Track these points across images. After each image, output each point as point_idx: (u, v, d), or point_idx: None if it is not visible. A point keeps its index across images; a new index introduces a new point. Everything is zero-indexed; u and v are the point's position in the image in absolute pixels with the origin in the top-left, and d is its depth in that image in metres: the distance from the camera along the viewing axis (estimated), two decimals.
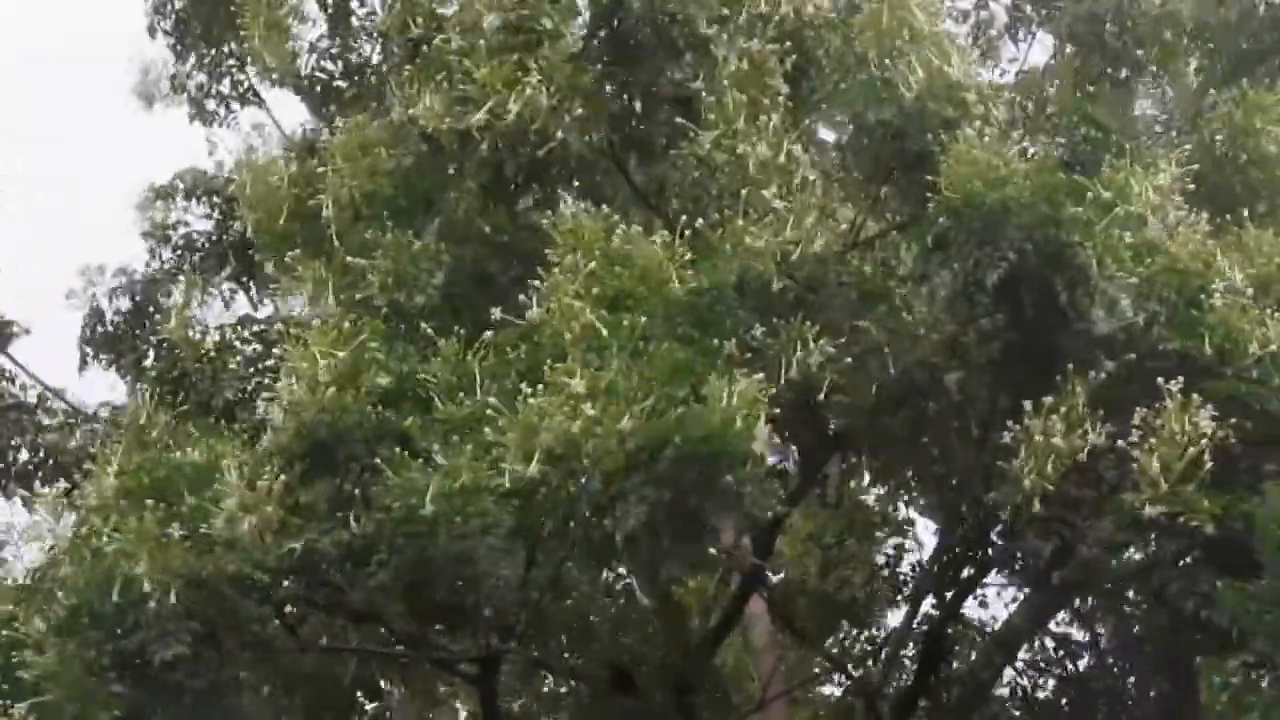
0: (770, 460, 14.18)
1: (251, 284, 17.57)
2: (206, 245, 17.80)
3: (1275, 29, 16.21)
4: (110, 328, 17.60)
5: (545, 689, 17.73)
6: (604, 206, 12.43)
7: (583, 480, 10.25)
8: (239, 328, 14.42)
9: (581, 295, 11.32)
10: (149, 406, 12.92)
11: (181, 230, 17.85)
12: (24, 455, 16.10)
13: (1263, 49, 16.20)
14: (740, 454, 10.15)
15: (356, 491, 10.78)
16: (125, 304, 17.66)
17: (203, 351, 13.43)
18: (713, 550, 16.11)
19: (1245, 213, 12.80)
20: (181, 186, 17.75)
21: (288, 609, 11.70)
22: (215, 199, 17.64)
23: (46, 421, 16.51)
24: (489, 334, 11.34)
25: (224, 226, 17.57)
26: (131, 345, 17.45)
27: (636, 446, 9.99)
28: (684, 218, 12.11)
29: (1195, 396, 10.46)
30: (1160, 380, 10.62)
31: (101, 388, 19.01)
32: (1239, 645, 10.22)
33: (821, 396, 12.16)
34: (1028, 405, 10.99)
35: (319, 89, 15.96)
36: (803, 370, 11.73)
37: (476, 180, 13.03)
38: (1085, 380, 10.96)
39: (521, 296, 11.76)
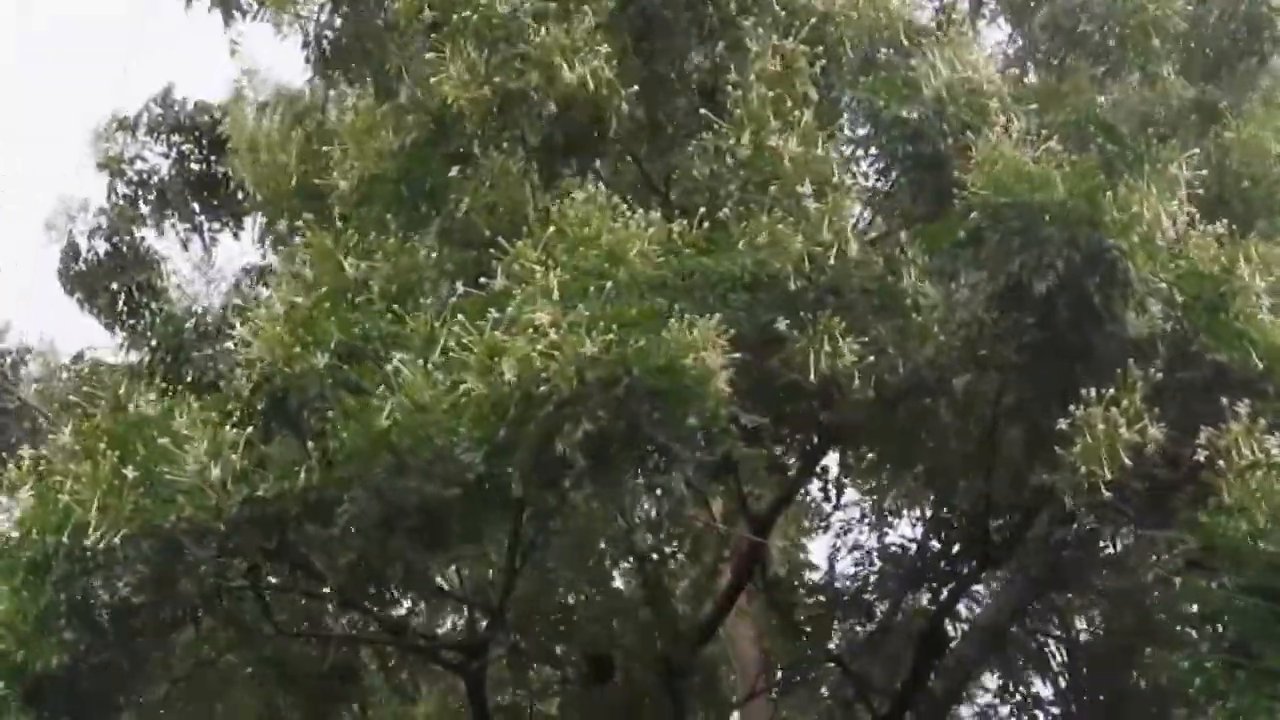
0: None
1: (211, 225, 17.55)
2: (164, 182, 17.51)
3: (1251, 29, 16.36)
4: (85, 266, 17.34)
5: (535, 683, 17.59)
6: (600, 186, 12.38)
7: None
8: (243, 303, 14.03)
9: (548, 265, 11.24)
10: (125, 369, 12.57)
11: (139, 165, 17.57)
12: None
13: (1240, 49, 16.36)
14: (699, 386, 10.11)
15: (311, 442, 10.81)
16: (102, 246, 17.36)
17: (202, 329, 13.03)
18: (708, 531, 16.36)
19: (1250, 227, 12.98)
20: (147, 118, 17.41)
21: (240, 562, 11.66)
22: (175, 137, 17.40)
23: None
24: (453, 300, 11.36)
25: (183, 164, 17.39)
26: (106, 288, 17.22)
27: (595, 375, 9.94)
28: (701, 209, 12.03)
29: (1261, 421, 10.50)
30: (1224, 400, 10.63)
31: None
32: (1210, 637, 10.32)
33: (845, 391, 12.09)
34: (1090, 393, 10.94)
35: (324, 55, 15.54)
36: (831, 367, 11.67)
37: (517, 145, 12.86)
38: (1146, 377, 10.99)
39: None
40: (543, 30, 12.52)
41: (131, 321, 16.35)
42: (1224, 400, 10.63)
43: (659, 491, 12.31)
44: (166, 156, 17.42)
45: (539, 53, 12.46)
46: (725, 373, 10.27)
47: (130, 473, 10.37)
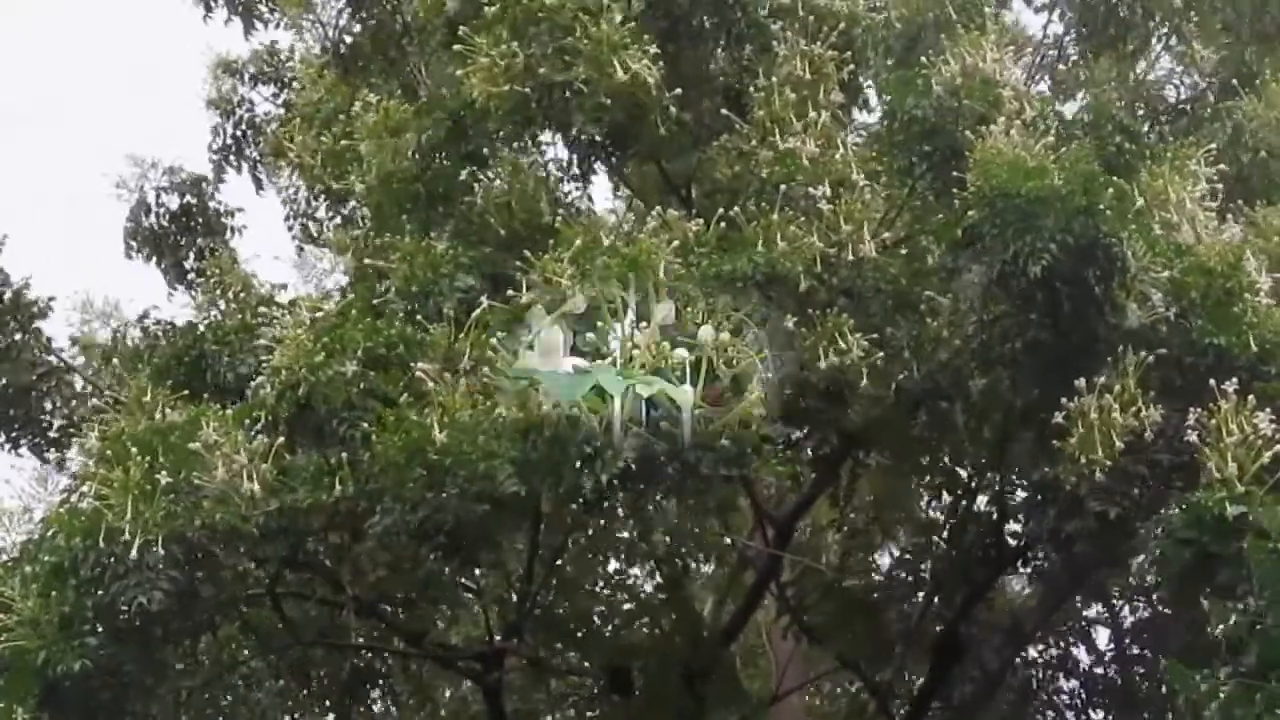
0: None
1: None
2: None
3: None
4: (155, 222, 17.38)
5: (551, 688, 17.55)
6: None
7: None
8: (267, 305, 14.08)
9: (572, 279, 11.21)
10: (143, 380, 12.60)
11: (246, 109, 17.79)
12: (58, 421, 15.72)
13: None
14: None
15: (344, 454, 10.80)
16: (174, 202, 17.44)
17: (222, 333, 13.04)
18: (728, 540, 16.27)
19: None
20: (253, 69, 17.69)
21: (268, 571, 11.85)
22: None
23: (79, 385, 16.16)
24: (477, 313, 11.29)
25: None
26: (174, 247, 17.35)
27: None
28: (720, 210, 12.03)
29: (1251, 398, 10.30)
30: (1212, 381, 10.45)
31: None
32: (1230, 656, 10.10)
33: (849, 392, 12.04)
34: (1081, 383, 10.88)
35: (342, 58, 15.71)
36: (838, 366, 11.65)
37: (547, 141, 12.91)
38: (1138, 363, 10.89)
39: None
40: (591, 24, 12.27)
41: (200, 280, 16.44)
42: (1212, 381, 10.44)
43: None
44: (275, 98, 17.64)
45: (589, 46, 12.25)
46: (760, 399, 10.20)
47: (163, 479, 10.43)
